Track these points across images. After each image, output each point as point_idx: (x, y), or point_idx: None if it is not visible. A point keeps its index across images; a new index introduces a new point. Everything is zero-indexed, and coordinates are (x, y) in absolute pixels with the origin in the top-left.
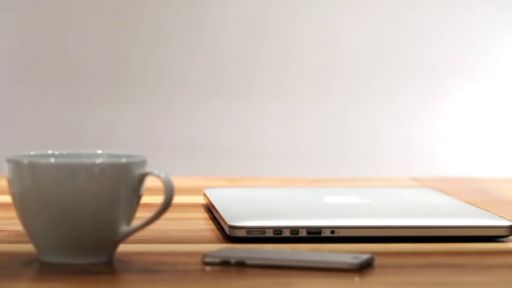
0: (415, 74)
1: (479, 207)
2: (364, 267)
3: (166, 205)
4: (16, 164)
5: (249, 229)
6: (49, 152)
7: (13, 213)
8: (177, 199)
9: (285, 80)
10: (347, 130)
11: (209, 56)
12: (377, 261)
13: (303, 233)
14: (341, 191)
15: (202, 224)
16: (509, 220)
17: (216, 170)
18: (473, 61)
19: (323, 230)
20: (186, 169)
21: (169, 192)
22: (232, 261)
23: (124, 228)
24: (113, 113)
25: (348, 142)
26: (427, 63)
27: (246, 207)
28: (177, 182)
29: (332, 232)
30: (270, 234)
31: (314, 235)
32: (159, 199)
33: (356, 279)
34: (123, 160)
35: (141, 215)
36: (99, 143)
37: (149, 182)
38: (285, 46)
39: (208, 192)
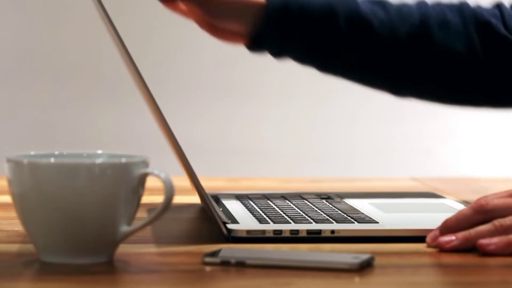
0: None
1: None
2: (364, 267)
3: (166, 205)
4: (16, 164)
5: (249, 229)
6: (49, 152)
7: (13, 213)
8: (177, 199)
9: (291, 82)
10: (351, 130)
11: (214, 56)
12: (377, 261)
13: (303, 233)
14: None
15: (202, 224)
16: None
17: (219, 170)
18: None
19: (323, 230)
20: None
21: (169, 192)
22: (232, 261)
23: (124, 228)
24: (113, 113)
25: (352, 142)
26: None
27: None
28: (177, 182)
29: (332, 232)
30: (270, 234)
31: (314, 235)
32: (159, 199)
33: (356, 279)
34: (123, 160)
35: (141, 215)
36: (99, 143)
37: (149, 182)
38: None
39: (208, 192)
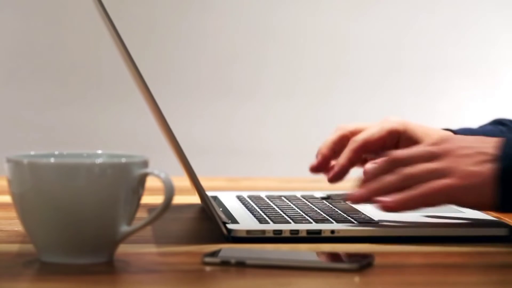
0: (418, 75)
1: None
2: (364, 267)
3: (166, 205)
4: (16, 164)
5: (249, 229)
6: (49, 152)
7: (13, 213)
8: (177, 199)
9: (290, 81)
10: None
11: (214, 56)
12: (377, 261)
13: (303, 233)
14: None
15: (202, 224)
16: (508, 220)
17: (219, 170)
18: (471, 61)
19: (323, 230)
20: None
21: (169, 192)
22: (232, 261)
23: (124, 228)
24: (113, 113)
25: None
26: (426, 63)
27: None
28: (177, 182)
29: (332, 232)
30: (270, 234)
31: (314, 235)
32: (159, 199)
33: (356, 279)
34: (123, 160)
35: (141, 215)
36: (99, 143)
37: (149, 182)
38: (289, 47)
39: (208, 192)
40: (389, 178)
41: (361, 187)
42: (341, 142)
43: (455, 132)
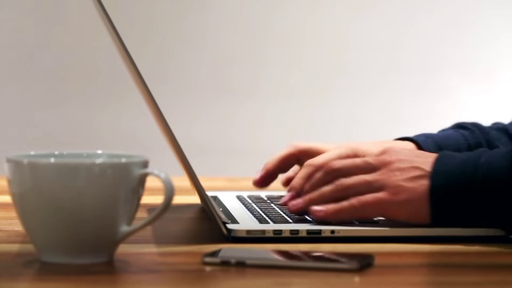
0: (416, 75)
1: None
2: (364, 267)
3: (166, 205)
4: (16, 164)
5: (249, 229)
6: (49, 152)
7: (13, 213)
8: (177, 199)
9: (290, 81)
10: (351, 130)
11: (213, 56)
12: (377, 261)
13: (303, 233)
14: None
15: (202, 224)
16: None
17: (219, 170)
18: (470, 61)
19: (323, 230)
20: None
21: (169, 192)
22: (232, 261)
23: (124, 228)
24: (113, 113)
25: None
26: (425, 63)
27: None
28: (177, 182)
29: (332, 232)
30: (270, 234)
31: (314, 235)
32: (159, 199)
33: (356, 279)
34: (123, 160)
35: (141, 215)
36: (99, 143)
37: (149, 182)
38: (289, 47)
39: (208, 192)
40: (326, 189)
41: (300, 196)
42: (288, 161)
43: (414, 140)
